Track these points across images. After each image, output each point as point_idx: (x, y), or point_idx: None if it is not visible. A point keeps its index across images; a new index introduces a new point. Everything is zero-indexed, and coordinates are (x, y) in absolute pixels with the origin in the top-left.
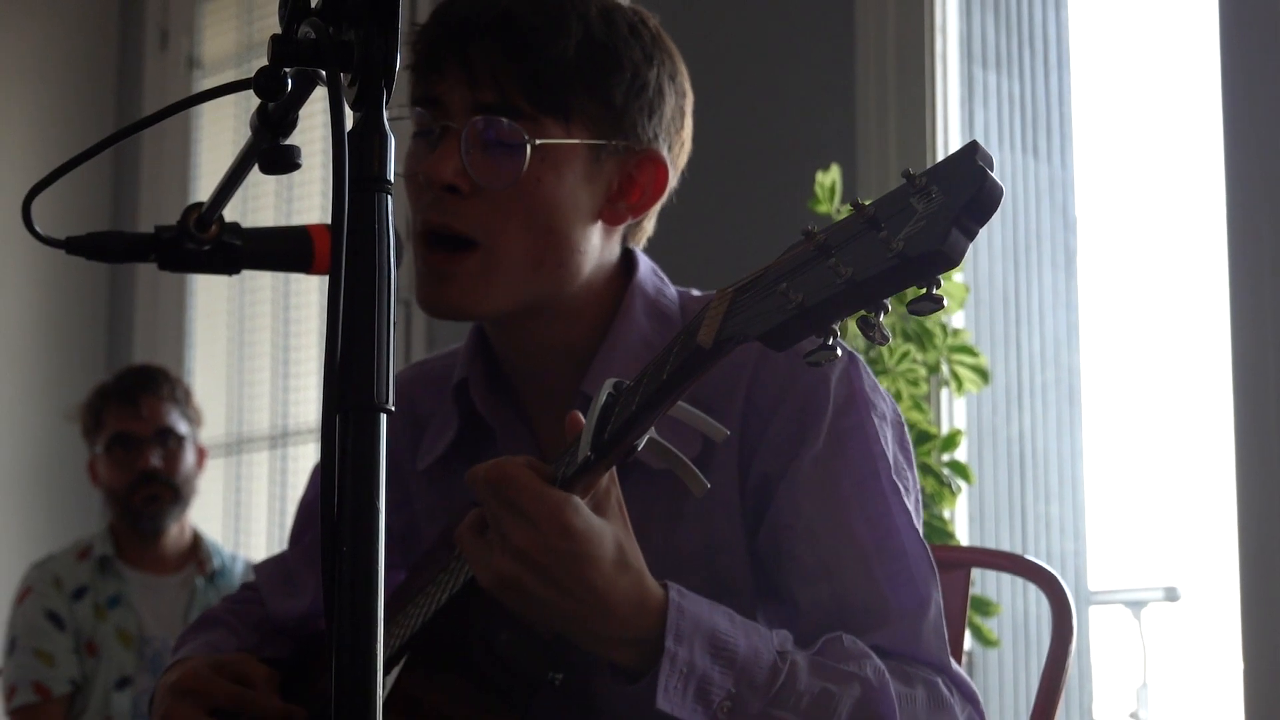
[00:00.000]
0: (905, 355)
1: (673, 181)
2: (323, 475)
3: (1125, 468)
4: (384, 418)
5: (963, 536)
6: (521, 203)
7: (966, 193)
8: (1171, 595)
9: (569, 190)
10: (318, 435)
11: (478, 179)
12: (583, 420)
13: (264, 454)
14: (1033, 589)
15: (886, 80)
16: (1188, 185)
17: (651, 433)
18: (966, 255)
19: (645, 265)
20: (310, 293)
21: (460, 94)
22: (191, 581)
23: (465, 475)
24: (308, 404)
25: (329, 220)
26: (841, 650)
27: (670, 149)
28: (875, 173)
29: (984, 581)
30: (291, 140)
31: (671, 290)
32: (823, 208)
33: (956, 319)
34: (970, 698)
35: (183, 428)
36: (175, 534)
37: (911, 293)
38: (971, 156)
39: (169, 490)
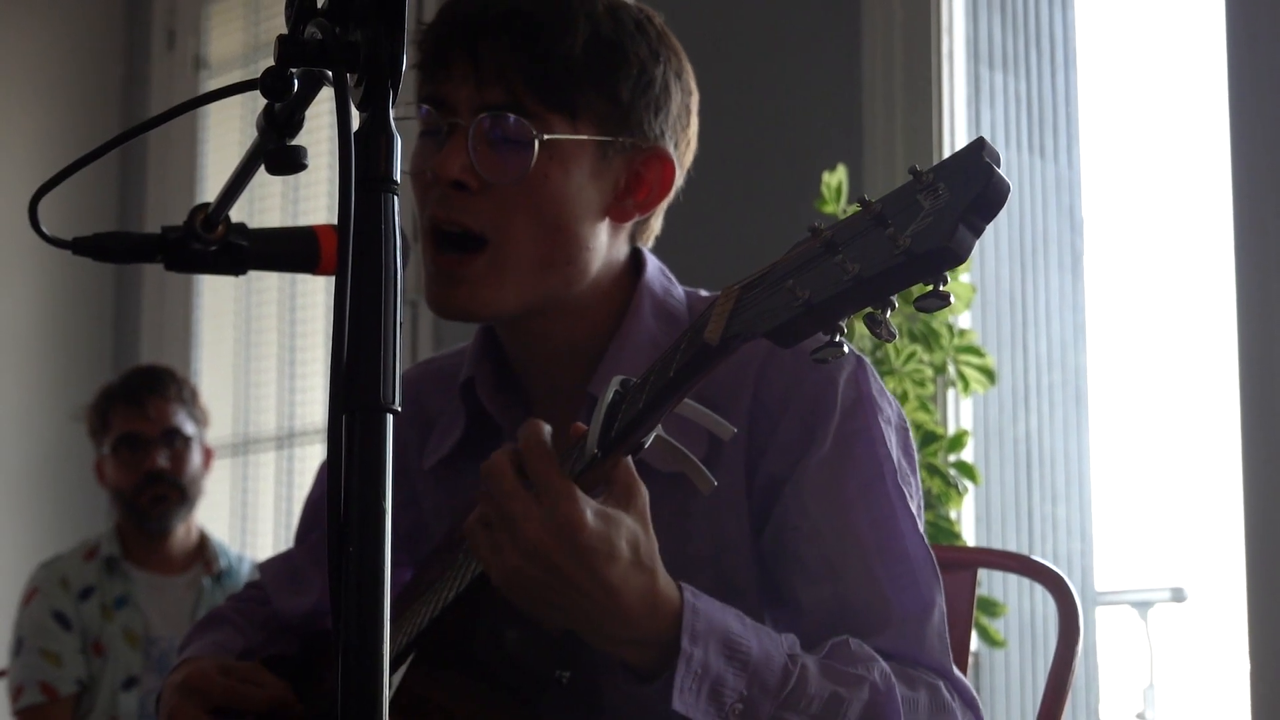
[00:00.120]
0: (912, 356)
1: (679, 180)
2: (329, 476)
3: (1132, 468)
4: (390, 418)
5: (969, 537)
6: (529, 199)
7: (973, 189)
8: (1178, 596)
9: (576, 187)
10: (324, 436)
11: (485, 175)
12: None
13: (270, 454)
14: (1039, 589)
15: (893, 80)
16: (1194, 186)
17: (658, 430)
18: (973, 255)
19: (653, 265)
20: (317, 293)
21: (467, 91)
22: (198, 582)
23: (482, 466)
24: (314, 404)
25: (335, 221)
26: (849, 654)
27: (677, 146)
28: (882, 172)
29: (990, 582)
30: (298, 141)
31: (679, 290)
32: (829, 208)
33: (963, 319)
34: (970, 704)
35: (189, 428)
36: (182, 534)
37: (918, 290)
38: (978, 153)
39: (176, 491)
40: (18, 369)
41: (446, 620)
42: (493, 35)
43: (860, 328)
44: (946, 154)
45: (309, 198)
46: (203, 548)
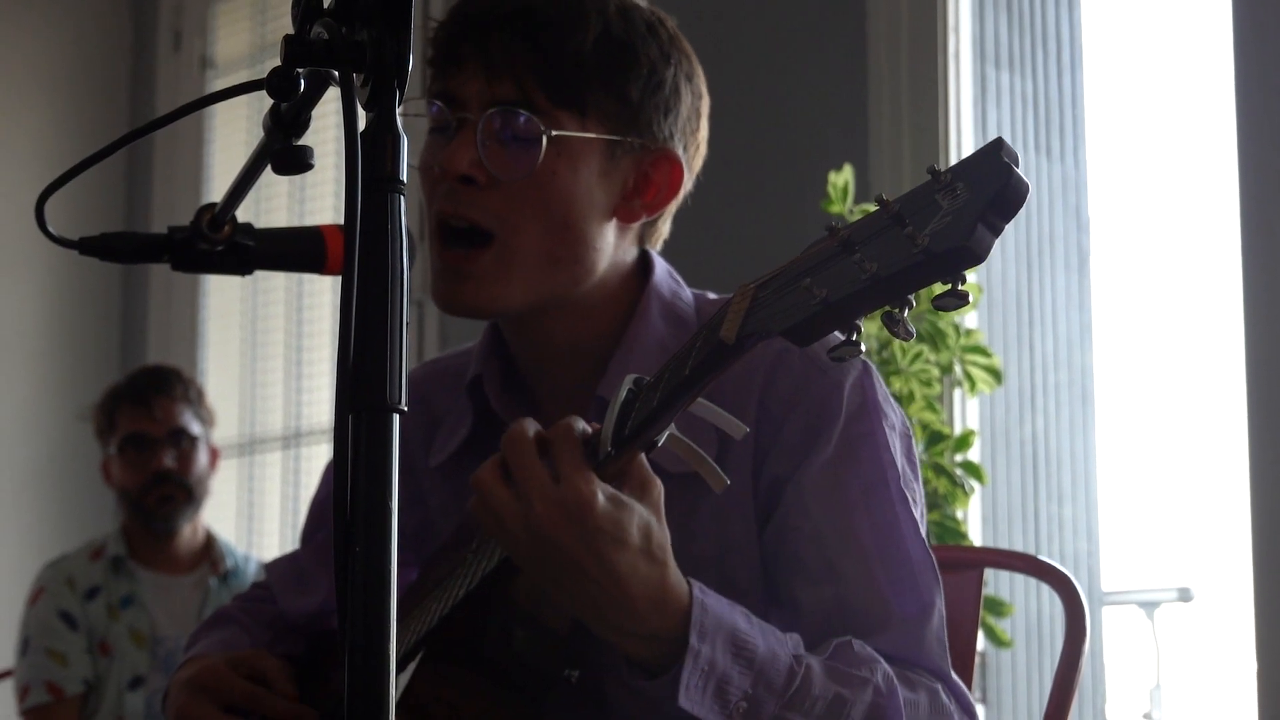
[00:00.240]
0: (918, 356)
1: (688, 183)
2: (336, 476)
3: (1138, 468)
4: (396, 418)
5: (976, 537)
6: (537, 195)
7: (992, 189)
8: (1185, 596)
9: (584, 185)
10: (331, 436)
11: (493, 170)
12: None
13: (277, 454)
14: (1046, 589)
15: (899, 80)
16: (1201, 185)
17: (671, 429)
18: None
19: (661, 267)
20: (323, 293)
21: (477, 87)
22: (205, 582)
23: (505, 434)
24: (321, 404)
25: (342, 221)
26: (853, 655)
27: (686, 149)
28: (888, 173)
29: (997, 582)
30: (304, 141)
31: (687, 293)
32: (835, 208)
33: (969, 319)
34: (967, 709)
35: (196, 428)
36: (188, 534)
37: (934, 290)
38: (996, 153)
39: (182, 491)
40: (24, 368)
41: (455, 618)
42: (504, 31)
43: (868, 327)
44: (953, 154)
45: (315, 198)
46: (209, 548)
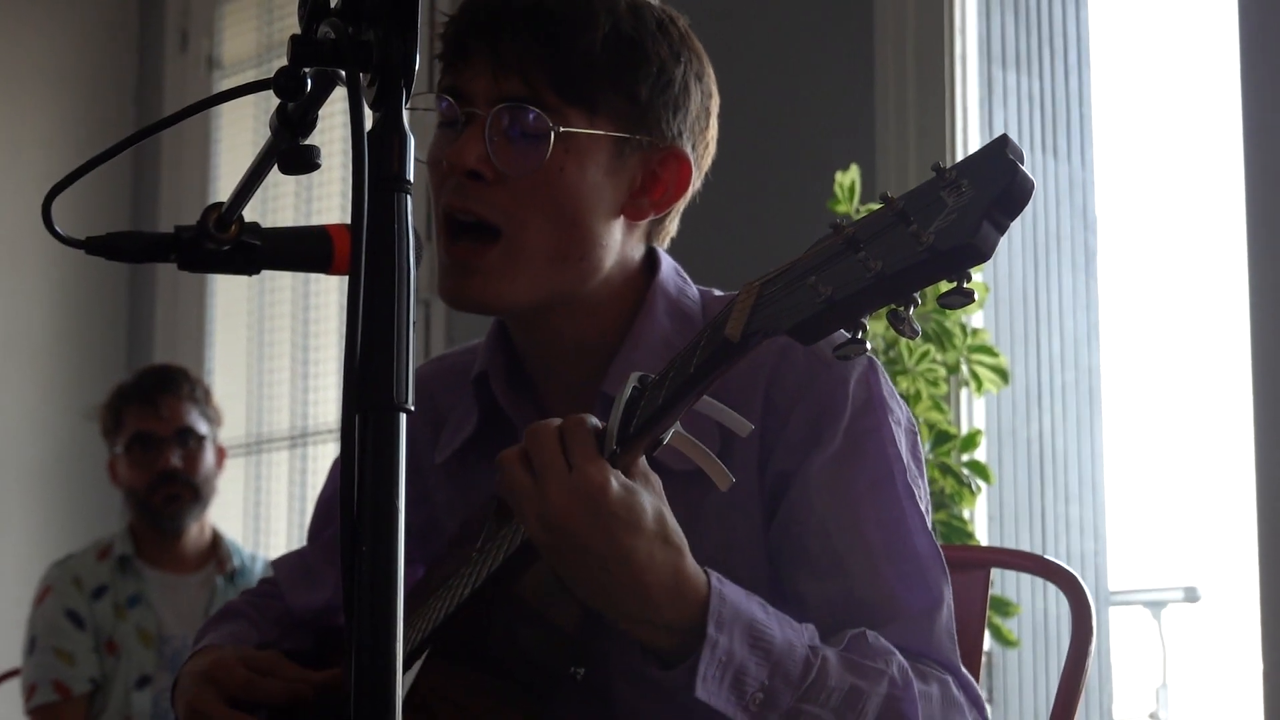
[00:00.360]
0: (925, 355)
1: (696, 182)
2: (343, 475)
3: (1145, 468)
4: (404, 417)
5: (982, 537)
6: (544, 191)
7: (997, 186)
8: (1191, 596)
9: (592, 182)
10: (338, 435)
11: (500, 166)
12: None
13: (284, 454)
14: (1052, 589)
15: (906, 80)
16: (1208, 185)
17: (677, 427)
18: None
19: (668, 264)
20: (330, 293)
21: (486, 82)
22: (211, 581)
23: (528, 428)
24: (327, 404)
25: (349, 220)
26: (868, 647)
27: (695, 148)
28: (895, 173)
29: (1004, 582)
30: (311, 140)
31: (693, 290)
32: (842, 208)
33: (976, 319)
34: (976, 703)
35: (202, 427)
36: (195, 533)
37: (939, 288)
38: (1002, 150)
39: (189, 490)
40: (31, 368)
41: (461, 616)
42: (513, 27)
43: (874, 326)
44: (959, 154)
45: (322, 197)
46: (216, 547)
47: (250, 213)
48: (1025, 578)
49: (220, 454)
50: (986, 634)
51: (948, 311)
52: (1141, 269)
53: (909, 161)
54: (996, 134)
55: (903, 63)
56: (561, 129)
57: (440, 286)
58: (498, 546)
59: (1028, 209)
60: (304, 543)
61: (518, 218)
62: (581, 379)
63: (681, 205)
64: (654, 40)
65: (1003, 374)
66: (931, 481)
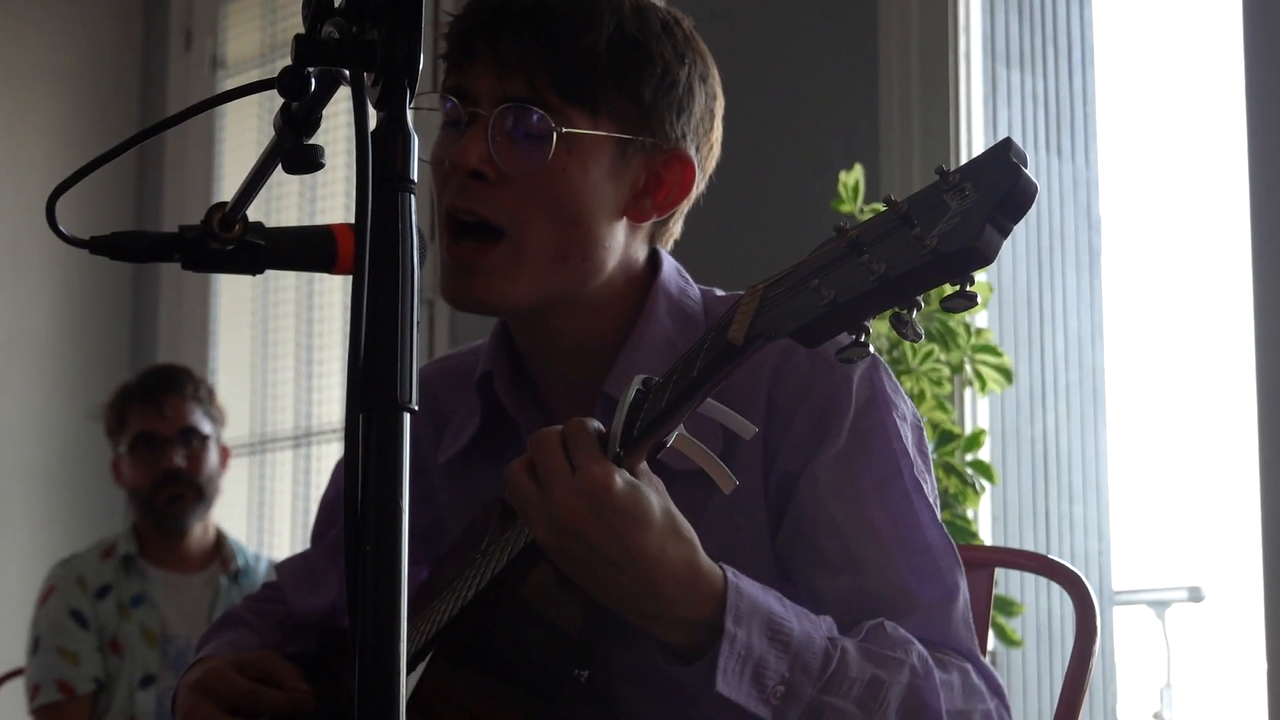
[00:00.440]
0: (929, 355)
1: (700, 184)
2: (347, 475)
3: (1149, 468)
4: (407, 418)
5: (986, 536)
6: (547, 192)
7: (1000, 189)
8: (1195, 595)
9: (594, 183)
10: (341, 435)
11: (503, 166)
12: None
13: (288, 453)
14: (1056, 589)
15: (910, 79)
16: (1212, 184)
17: (680, 429)
18: None
19: (669, 265)
20: (334, 292)
21: (489, 82)
22: (215, 580)
23: (531, 435)
24: (331, 403)
25: (352, 220)
26: (886, 637)
27: (698, 150)
28: (899, 173)
29: (1007, 581)
30: (315, 140)
31: (695, 290)
32: (846, 207)
33: (980, 319)
34: (997, 691)
35: (206, 427)
36: (199, 533)
37: (942, 291)
38: (1005, 153)
39: (193, 489)
40: (35, 368)
41: (465, 618)
42: (516, 27)
43: (878, 326)
44: (963, 153)
45: (326, 197)
46: (220, 546)
47: (254, 212)
48: (1029, 577)
49: (224, 454)
50: (990, 634)
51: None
52: (1146, 268)
53: (913, 161)
54: (1001, 133)
55: (907, 62)
56: (564, 130)
57: (442, 286)
58: (501, 548)
59: (1031, 209)
60: (308, 543)
61: (520, 218)
62: (583, 379)
63: (685, 207)
64: (658, 41)
65: (1007, 374)
66: (935, 481)
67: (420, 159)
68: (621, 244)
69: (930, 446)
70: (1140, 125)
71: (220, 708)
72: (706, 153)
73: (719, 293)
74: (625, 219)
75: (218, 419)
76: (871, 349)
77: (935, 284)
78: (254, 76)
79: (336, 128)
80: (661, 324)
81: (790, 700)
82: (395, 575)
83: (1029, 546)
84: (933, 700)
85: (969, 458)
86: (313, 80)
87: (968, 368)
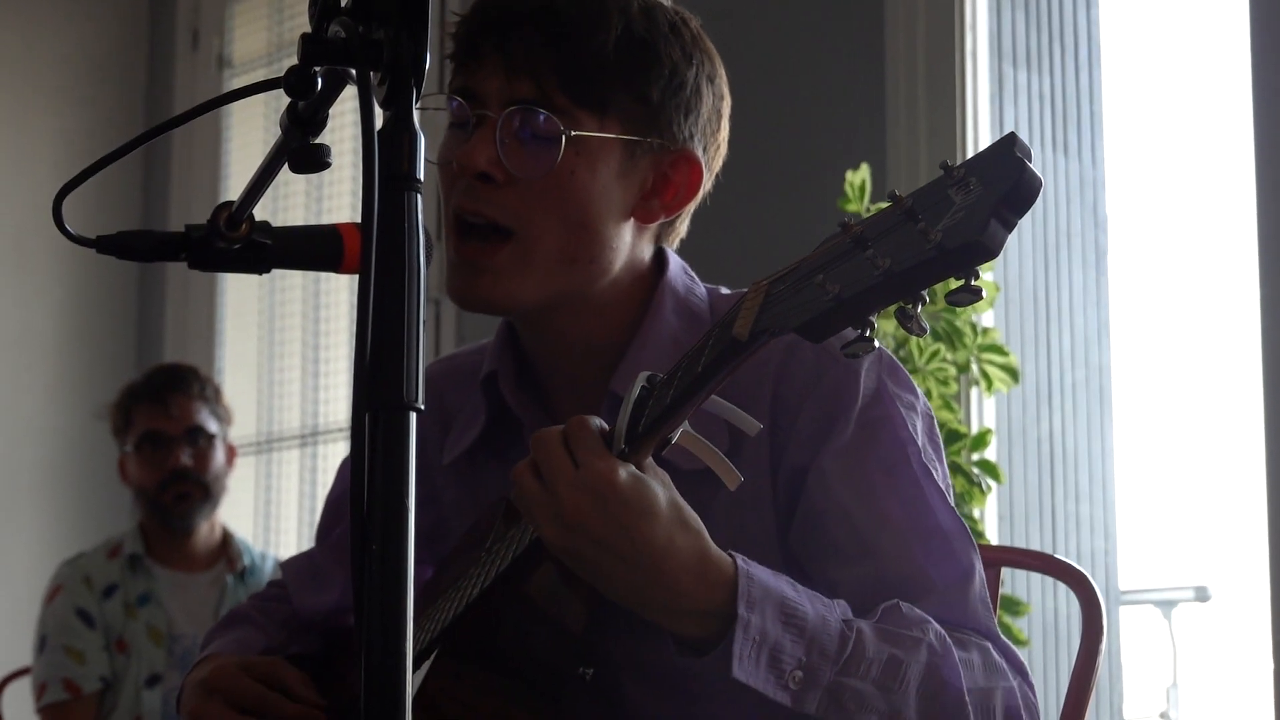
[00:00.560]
0: (935, 354)
1: (707, 184)
2: (352, 475)
3: (1155, 467)
4: (414, 417)
5: (992, 536)
6: (555, 194)
7: (1005, 184)
8: (1202, 595)
9: (602, 185)
10: (348, 434)
11: (511, 168)
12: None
13: (294, 452)
14: (1062, 588)
15: (916, 78)
16: (1218, 183)
17: (685, 426)
18: None
19: (675, 264)
20: (340, 291)
21: (497, 84)
22: (221, 579)
23: (533, 435)
24: (338, 403)
25: (359, 219)
26: (902, 617)
27: (706, 150)
28: (905, 171)
29: (1014, 581)
30: (321, 139)
31: (701, 289)
32: (852, 206)
33: (986, 318)
34: (1019, 669)
35: (213, 426)
36: (205, 532)
37: (946, 285)
38: (1010, 148)
39: (199, 488)
40: (42, 367)
41: (470, 616)
42: (524, 29)
43: (884, 325)
44: (970, 152)
45: (332, 196)
46: (226, 545)
47: (261, 211)
48: (1035, 577)
49: (230, 453)
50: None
51: (958, 310)
52: (1152, 267)
53: (920, 160)
54: (1007, 132)
55: (913, 61)
56: (573, 132)
57: (449, 286)
58: (506, 547)
59: (1038, 207)
60: (314, 542)
61: (529, 220)
62: (590, 377)
63: (692, 207)
64: (666, 42)
65: (1013, 373)
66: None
67: (426, 160)
68: (628, 244)
69: None
70: (1146, 124)
71: (229, 707)
72: (714, 153)
73: (725, 291)
74: (632, 220)
75: (224, 418)
76: (877, 344)
77: (940, 278)
78: (260, 76)
79: (343, 127)
80: (668, 323)
81: (809, 685)
82: (401, 574)
83: (1035, 546)
84: (953, 678)
85: (975, 457)
86: (319, 79)
87: (974, 367)
